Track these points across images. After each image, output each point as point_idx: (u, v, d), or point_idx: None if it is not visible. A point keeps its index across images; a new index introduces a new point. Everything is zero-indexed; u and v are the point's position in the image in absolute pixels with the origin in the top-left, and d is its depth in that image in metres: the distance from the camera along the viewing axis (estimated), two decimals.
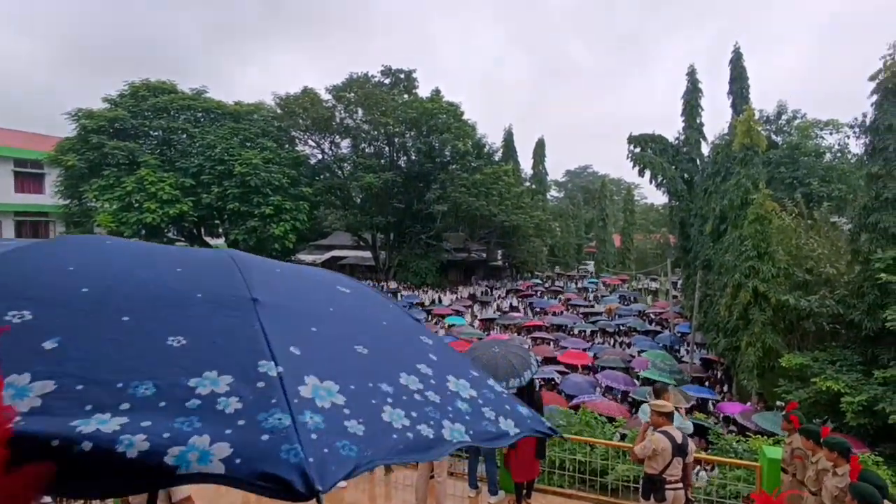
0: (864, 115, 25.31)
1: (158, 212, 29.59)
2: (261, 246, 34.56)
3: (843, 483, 4.85)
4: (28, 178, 34.57)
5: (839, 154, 26.80)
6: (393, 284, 37.20)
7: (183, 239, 38.03)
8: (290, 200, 33.80)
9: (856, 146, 27.24)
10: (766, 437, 9.71)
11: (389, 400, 1.29)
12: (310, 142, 39.93)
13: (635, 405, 14.83)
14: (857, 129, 26.30)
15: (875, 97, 13.26)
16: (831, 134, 27.04)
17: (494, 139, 48.07)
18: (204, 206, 32.44)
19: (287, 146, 37.88)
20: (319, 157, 40.77)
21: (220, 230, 38.18)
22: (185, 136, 33.97)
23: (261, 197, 32.20)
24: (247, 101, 38.70)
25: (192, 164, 32.00)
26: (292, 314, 1.41)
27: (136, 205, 29.63)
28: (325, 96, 37.87)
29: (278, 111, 37.73)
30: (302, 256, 44.43)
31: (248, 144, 33.83)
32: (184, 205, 30.69)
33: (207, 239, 39.16)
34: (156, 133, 33.82)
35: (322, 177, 39.80)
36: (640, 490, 5.33)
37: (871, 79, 13.23)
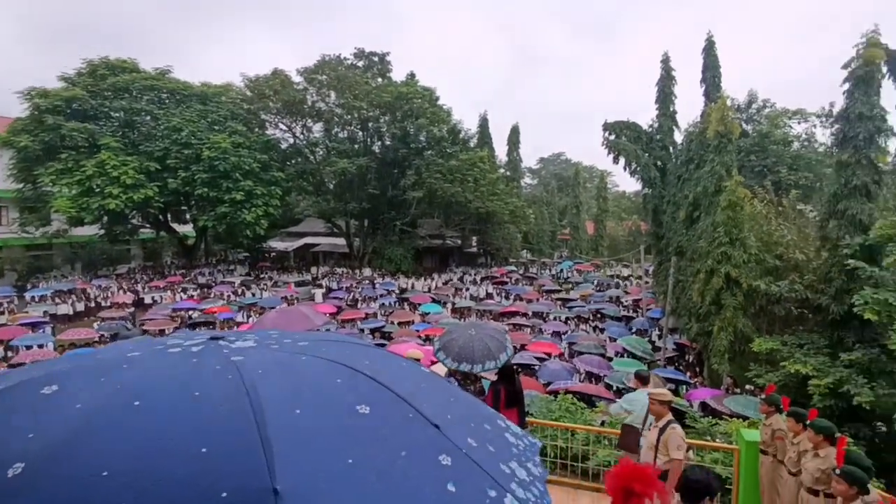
0: (832, 105, 26.14)
1: (122, 197, 28.42)
2: (231, 232, 33.70)
3: (825, 465, 4.88)
4: None
5: (806, 143, 27.51)
6: (367, 272, 36.83)
7: (148, 225, 36.81)
8: (262, 186, 32.98)
9: (822, 135, 28.01)
10: (740, 420, 9.87)
11: None
12: (281, 125, 38.94)
13: (609, 389, 15.05)
14: (823, 119, 27.05)
15: (847, 85, 13.51)
16: (799, 123, 27.73)
17: (469, 125, 47.89)
18: (171, 192, 31.36)
19: (257, 130, 36.93)
20: (291, 141, 39.88)
21: (188, 216, 37.03)
22: (148, 117, 32.68)
23: (231, 182, 31.28)
24: (214, 83, 37.49)
25: (158, 148, 30.82)
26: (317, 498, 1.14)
27: (98, 190, 28.39)
28: (297, 78, 36.92)
29: (248, 93, 36.64)
30: (274, 244, 43.56)
31: (217, 128, 32.77)
32: (149, 190, 29.59)
33: (174, 225, 37.98)
34: (117, 114, 32.43)
35: (294, 161, 38.96)
36: (673, 484, 5.06)
37: (844, 67, 13.46)
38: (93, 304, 26.71)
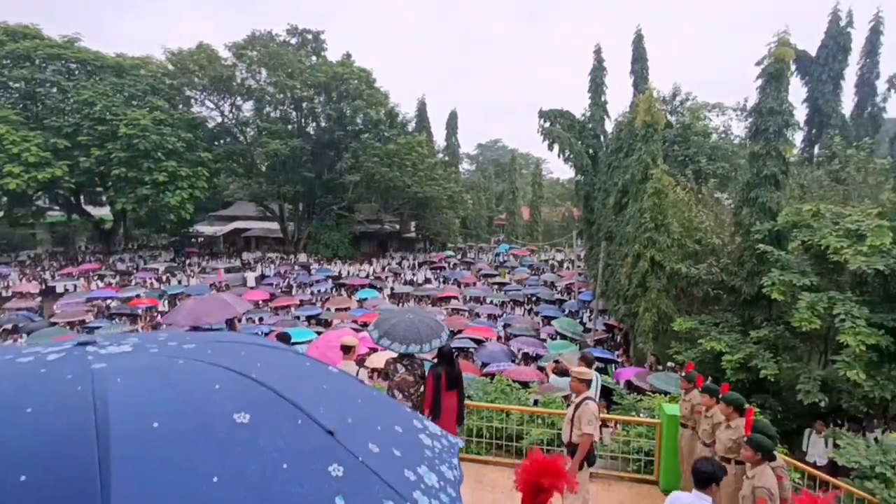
0: (746, 100, 27.94)
1: (24, 176, 25.90)
2: (154, 216, 31.63)
3: (736, 435, 5.25)
4: None
5: (724, 135, 29.30)
6: (303, 257, 35.81)
7: (58, 207, 33.83)
8: (187, 166, 31.06)
9: (738, 128, 29.97)
10: (662, 395, 10.46)
11: None
12: (207, 103, 36.75)
13: (542, 371, 15.52)
14: (739, 112, 28.91)
15: (760, 81, 14.46)
16: (717, 116, 29.49)
17: (407, 110, 47.30)
18: (83, 171, 28.92)
19: (181, 106, 34.70)
20: (219, 119, 37.76)
21: (105, 198, 34.33)
22: (55, 89, 29.86)
23: (152, 162, 29.25)
24: (131, 55, 34.71)
25: (66, 123, 28.27)
26: None
27: None
28: (225, 54, 34.91)
29: (170, 67, 34.18)
30: (201, 228, 41.37)
31: (135, 103, 30.47)
32: (57, 169, 27.13)
33: (89, 208, 35.14)
34: (17, 84, 29.36)
35: (222, 141, 36.99)
36: (581, 457, 5.25)
37: (758, 64, 14.39)
38: None
